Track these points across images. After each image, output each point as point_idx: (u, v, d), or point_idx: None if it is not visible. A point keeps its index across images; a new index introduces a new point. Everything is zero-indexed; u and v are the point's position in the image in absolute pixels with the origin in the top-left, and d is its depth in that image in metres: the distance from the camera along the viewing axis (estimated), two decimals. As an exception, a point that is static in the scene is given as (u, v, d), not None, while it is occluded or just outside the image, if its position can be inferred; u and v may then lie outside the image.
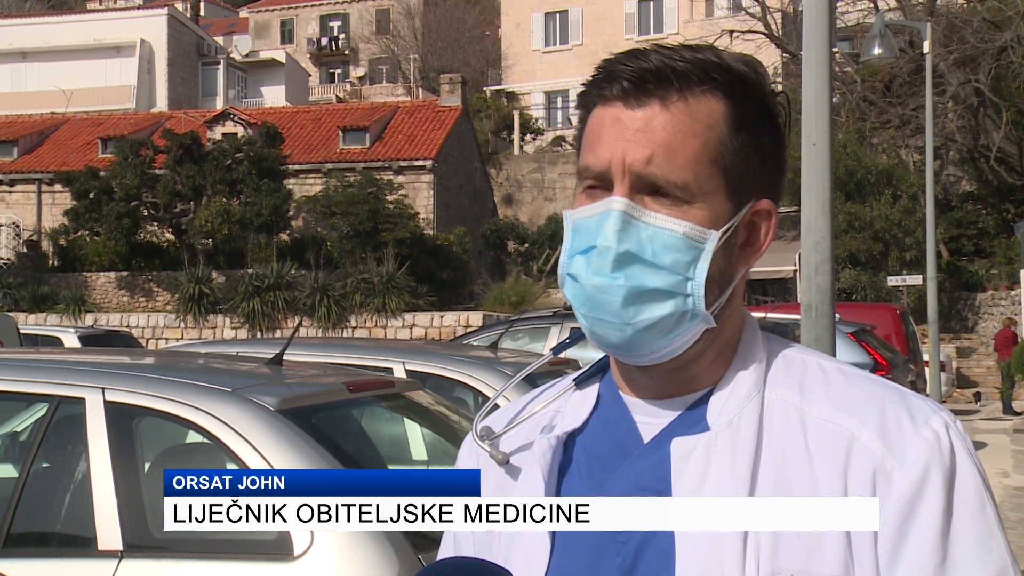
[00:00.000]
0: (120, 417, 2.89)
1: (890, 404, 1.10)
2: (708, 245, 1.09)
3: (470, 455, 1.27)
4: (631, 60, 1.10)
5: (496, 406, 1.31)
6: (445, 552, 1.28)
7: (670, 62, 1.09)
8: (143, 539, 2.73)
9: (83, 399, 2.92)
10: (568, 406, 1.21)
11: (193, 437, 2.95)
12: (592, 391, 1.21)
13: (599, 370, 1.24)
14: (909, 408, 1.09)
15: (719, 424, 1.11)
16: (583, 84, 1.17)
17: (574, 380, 1.24)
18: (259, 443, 2.73)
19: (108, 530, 2.73)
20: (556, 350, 1.34)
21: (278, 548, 2.62)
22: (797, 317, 4.45)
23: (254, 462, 2.70)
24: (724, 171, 1.10)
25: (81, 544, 2.82)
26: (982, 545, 1.05)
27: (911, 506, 1.05)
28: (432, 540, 2.65)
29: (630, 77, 1.09)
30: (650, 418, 1.15)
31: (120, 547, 2.70)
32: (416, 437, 4.19)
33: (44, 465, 3.01)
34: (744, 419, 1.11)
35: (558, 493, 1.15)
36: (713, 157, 1.09)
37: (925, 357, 15.28)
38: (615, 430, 1.16)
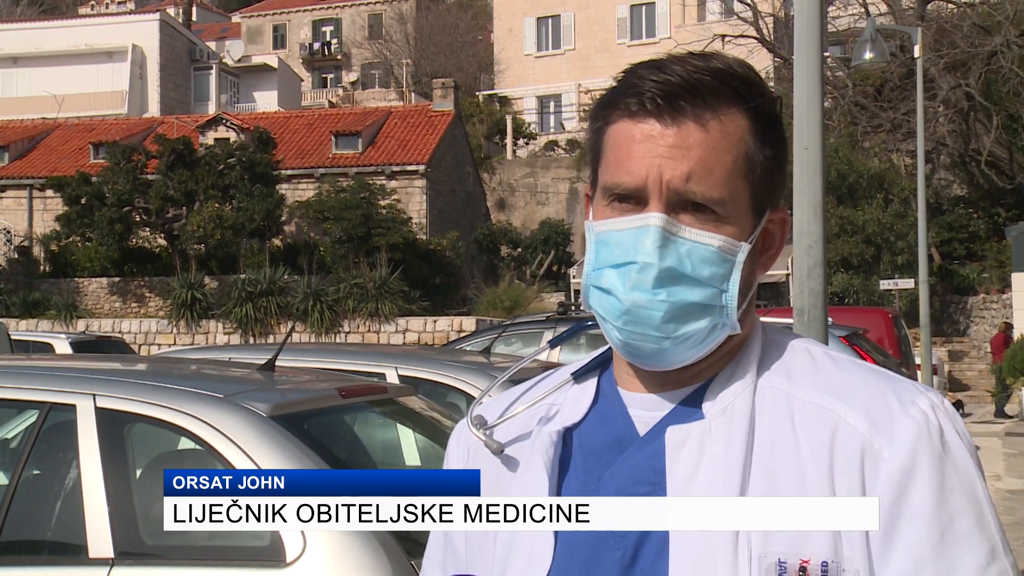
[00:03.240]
0: (111, 424, 2.87)
1: (876, 386, 1.11)
2: (739, 257, 1.12)
3: (459, 443, 1.28)
4: (655, 73, 1.10)
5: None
6: (434, 551, 1.28)
7: (697, 76, 1.10)
8: (134, 546, 2.72)
9: (74, 405, 2.91)
10: (566, 400, 1.23)
11: (185, 443, 2.93)
12: (591, 385, 1.23)
13: (599, 364, 1.25)
14: (896, 390, 1.11)
15: (713, 412, 1.13)
16: (602, 94, 1.17)
17: (572, 373, 1.25)
18: (251, 449, 2.72)
19: (99, 537, 2.71)
20: (552, 343, 1.39)
21: (270, 555, 2.61)
22: (790, 321, 4.46)
23: (246, 468, 2.69)
24: (751, 186, 1.13)
25: (72, 552, 2.80)
26: (977, 523, 1.06)
27: (902, 485, 1.06)
28: (424, 547, 2.63)
29: (660, 92, 1.10)
30: (646, 411, 1.17)
31: (111, 554, 2.69)
32: (409, 442, 4.18)
33: (35, 472, 3.00)
34: (737, 407, 1.12)
35: (559, 489, 1.16)
36: (743, 172, 1.12)
37: (917, 360, 15.31)
38: (612, 425, 1.18)
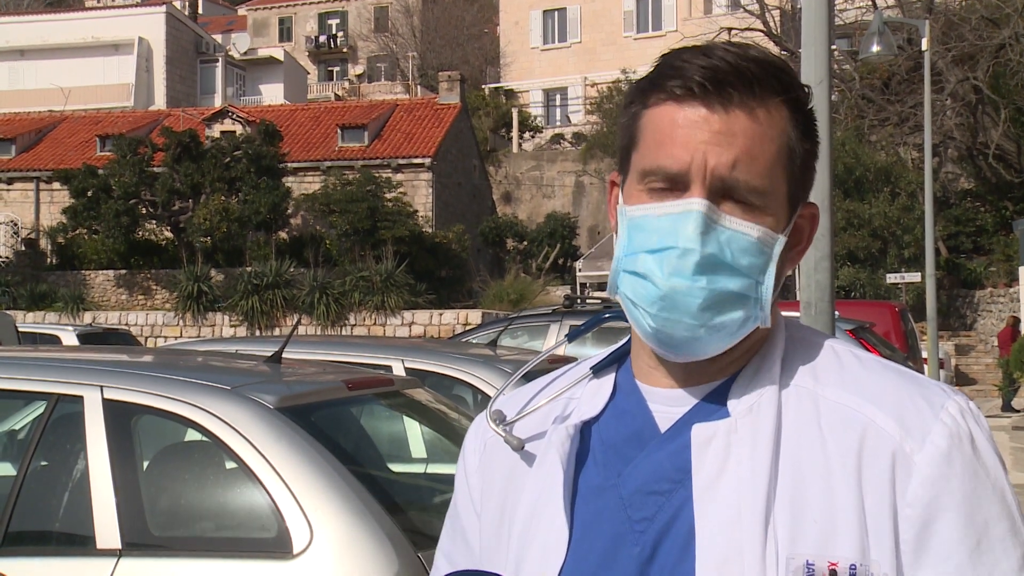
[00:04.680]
0: (119, 415, 2.88)
1: (905, 389, 1.10)
2: (776, 249, 1.11)
3: (477, 438, 1.27)
4: (701, 58, 1.09)
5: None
6: (447, 535, 1.28)
7: (743, 64, 1.08)
8: (142, 537, 2.72)
9: (81, 397, 2.91)
10: (584, 394, 1.21)
11: (192, 435, 2.94)
12: (608, 380, 1.21)
13: (616, 359, 1.23)
14: (924, 393, 1.10)
15: (739, 411, 1.11)
16: (640, 78, 1.15)
17: (591, 368, 1.24)
18: (258, 441, 2.72)
19: (107, 528, 2.72)
20: (571, 336, 1.35)
21: (277, 546, 2.61)
22: (796, 314, 4.45)
23: (253, 460, 2.70)
24: (790, 178, 1.12)
25: (80, 543, 2.81)
26: (1010, 527, 1.06)
27: (936, 490, 1.04)
28: (431, 539, 2.64)
29: (708, 77, 1.07)
30: (667, 407, 1.15)
31: (119, 545, 2.70)
32: (415, 435, 4.19)
33: (42, 463, 3.01)
34: (764, 405, 1.11)
35: (575, 482, 1.15)
36: (784, 164, 1.10)
37: (924, 354, 15.27)
38: (631, 420, 1.16)
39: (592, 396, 1.20)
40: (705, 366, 1.13)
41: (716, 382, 1.14)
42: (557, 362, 4.79)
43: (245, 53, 50.91)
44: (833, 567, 1.04)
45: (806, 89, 1.13)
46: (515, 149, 40.81)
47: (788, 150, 1.10)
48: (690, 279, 1.07)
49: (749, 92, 1.07)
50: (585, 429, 1.18)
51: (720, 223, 1.07)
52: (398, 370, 4.70)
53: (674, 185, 1.08)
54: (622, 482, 1.12)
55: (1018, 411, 19.12)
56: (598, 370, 1.22)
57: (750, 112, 1.08)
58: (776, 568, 1.03)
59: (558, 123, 45.26)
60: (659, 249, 1.08)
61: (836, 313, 4.81)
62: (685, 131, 1.08)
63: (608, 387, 1.20)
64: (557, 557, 1.12)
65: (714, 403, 1.13)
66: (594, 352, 1.29)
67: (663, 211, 1.08)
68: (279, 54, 51.19)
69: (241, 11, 60.14)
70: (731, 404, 1.12)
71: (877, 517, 1.05)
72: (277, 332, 23.78)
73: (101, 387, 2.92)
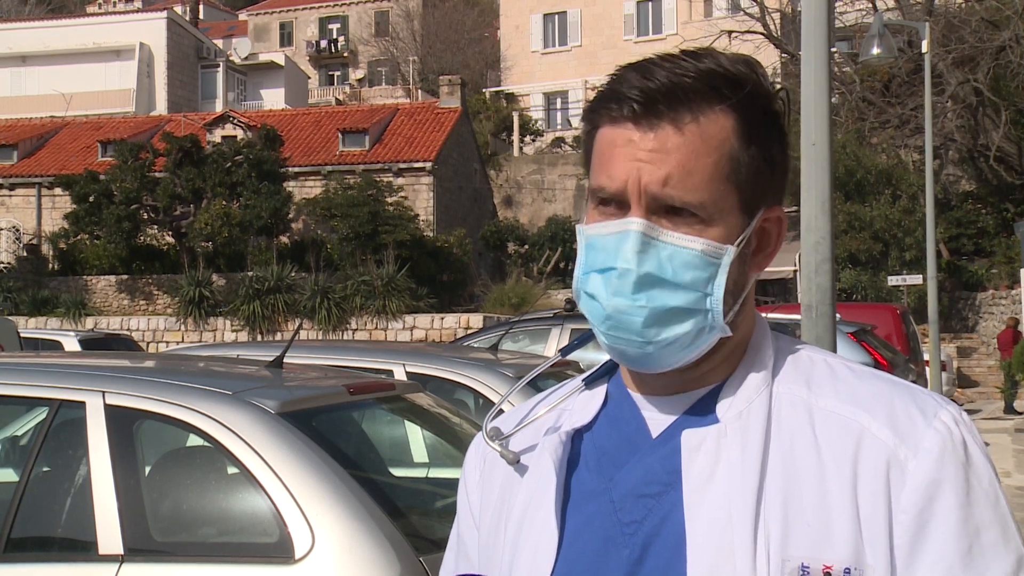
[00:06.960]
0: (121, 420, 2.88)
1: (898, 398, 1.11)
2: (724, 260, 1.11)
3: (477, 454, 1.29)
4: (638, 80, 1.10)
5: (501, 410, 1.32)
6: (450, 551, 1.30)
7: (678, 79, 1.09)
8: (144, 543, 2.73)
9: (83, 403, 2.92)
10: (576, 404, 1.23)
11: (194, 440, 2.94)
12: (600, 390, 1.23)
13: (608, 370, 1.26)
14: (917, 402, 1.11)
15: (729, 417, 1.12)
16: (588, 102, 1.17)
17: (583, 380, 1.26)
18: (260, 446, 2.73)
19: (109, 534, 2.72)
20: (564, 351, 1.36)
21: (279, 551, 2.61)
22: (798, 317, 4.46)
23: (255, 465, 2.70)
24: (737, 186, 1.11)
25: (82, 548, 2.81)
26: (1002, 534, 1.07)
27: (929, 496, 1.06)
28: (433, 543, 2.67)
29: (639, 99, 1.09)
30: (658, 414, 1.17)
31: (121, 551, 2.70)
32: (417, 439, 4.19)
33: (45, 469, 3.01)
34: (753, 412, 1.12)
35: (567, 486, 1.17)
36: (726, 174, 1.10)
37: (926, 357, 15.27)
38: (624, 426, 1.18)
39: (584, 406, 1.22)
40: (683, 375, 1.15)
41: (703, 389, 1.16)
42: (560, 366, 4.79)
43: (246, 58, 50.97)
44: (828, 570, 1.05)
45: (764, 91, 1.12)
46: (516, 153, 40.81)
47: (730, 160, 1.10)
48: (630, 298, 1.09)
49: (679, 107, 1.09)
50: (578, 437, 1.20)
51: (660, 239, 1.09)
52: (399, 374, 4.70)
53: (619, 204, 1.11)
54: (613, 486, 1.14)
55: (1020, 413, 19.10)
56: (590, 381, 1.25)
57: (680, 128, 1.08)
58: (768, 569, 1.04)
59: (559, 127, 45.26)
60: (603, 269, 1.11)
61: (837, 316, 4.81)
62: (621, 151, 1.10)
63: (600, 396, 1.22)
64: (547, 560, 1.13)
65: (704, 410, 1.15)
66: (596, 357, 1.31)
67: (608, 230, 1.11)
68: (280, 59, 51.23)
69: (242, 16, 60.21)
70: (720, 410, 1.13)
71: (872, 523, 1.06)
72: (279, 337, 23.78)
73: (103, 392, 2.92)
